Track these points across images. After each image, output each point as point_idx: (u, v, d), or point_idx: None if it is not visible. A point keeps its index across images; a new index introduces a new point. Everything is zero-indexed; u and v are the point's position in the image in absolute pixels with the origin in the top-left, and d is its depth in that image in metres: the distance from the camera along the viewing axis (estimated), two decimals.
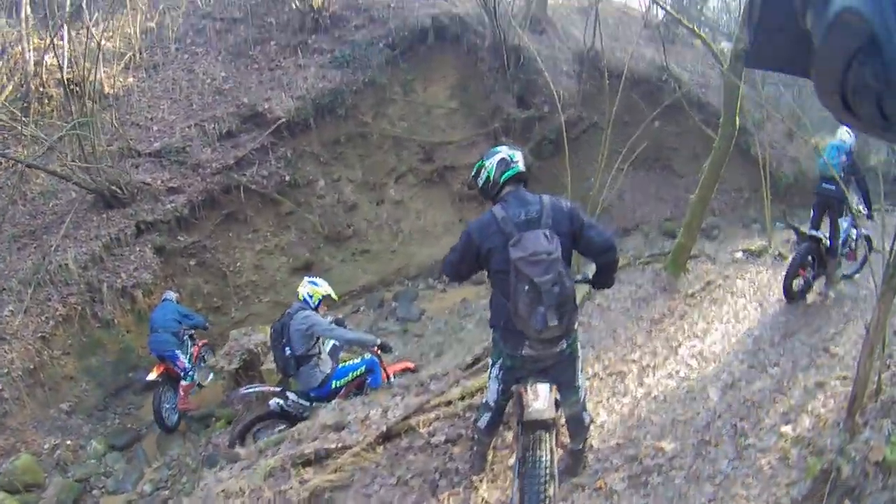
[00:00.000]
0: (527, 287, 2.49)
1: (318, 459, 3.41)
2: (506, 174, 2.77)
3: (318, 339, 4.73)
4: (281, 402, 4.72)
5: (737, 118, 5.29)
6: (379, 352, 4.72)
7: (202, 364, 7.85)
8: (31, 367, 7.34)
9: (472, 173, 2.91)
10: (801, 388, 4.09)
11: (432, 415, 3.71)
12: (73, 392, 7.63)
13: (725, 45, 13.43)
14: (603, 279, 2.95)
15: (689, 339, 4.98)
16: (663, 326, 5.18)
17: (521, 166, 2.80)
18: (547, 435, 2.64)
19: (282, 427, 4.69)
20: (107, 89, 9.67)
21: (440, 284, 10.47)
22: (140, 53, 10.32)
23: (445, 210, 11.29)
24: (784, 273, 5.76)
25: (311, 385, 4.73)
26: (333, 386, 4.78)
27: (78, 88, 8.92)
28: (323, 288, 4.92)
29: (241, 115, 9.57)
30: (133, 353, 8.29)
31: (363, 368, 4.90)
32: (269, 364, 5.92)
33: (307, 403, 4.75)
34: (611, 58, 11.01)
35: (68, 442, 6.89)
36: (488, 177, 2.80)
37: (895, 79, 0.52)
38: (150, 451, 6.97)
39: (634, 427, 3.72)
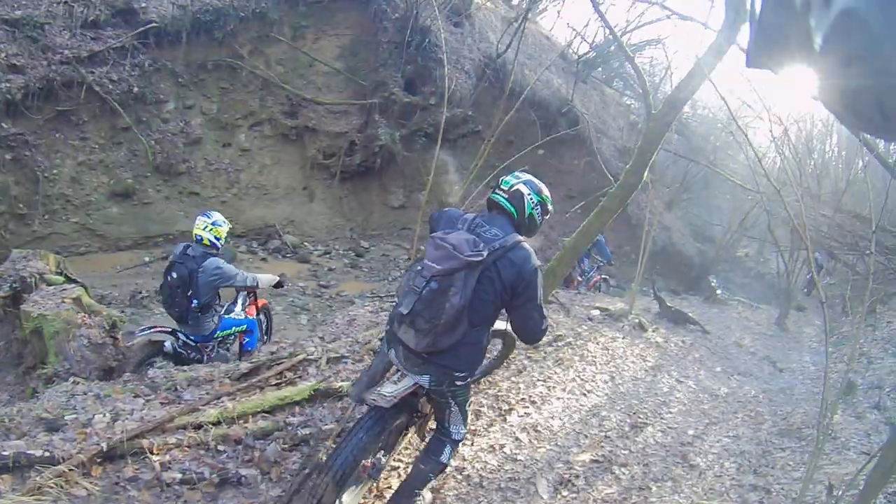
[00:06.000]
0: (419, 267, 2.18)
1: (18, 468, 2.53)
2: (494, 195, 2.43)
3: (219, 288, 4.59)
4: (174, 342, 4.46)
5: (646, 171, 4.62)
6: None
7: None
8: None
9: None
10: None
11: (173, 439, 2.86)
12: None
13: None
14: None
15: (524, 405, 4.00)
16: (495, 380, 4.24)
17: (513, 204, 2.39)
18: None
19: (163, 364, 4.32)
20: None
21: (263, 252, 9.71)
22: None
23: (293, 173, 10.28)
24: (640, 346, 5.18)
25: (203, 332, 4.55)
26: (217, 336, 4.67)
27: None
28: (225, 226, 4.59)
29: (114, 6, 7.96)
30: None
31: (244, 327, 4.90)
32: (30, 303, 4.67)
33: (193, 344, 4.58)
34: (517, 72, 10.64)
35: None
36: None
37: (895, 78, 0.52)
38: None
39: None
